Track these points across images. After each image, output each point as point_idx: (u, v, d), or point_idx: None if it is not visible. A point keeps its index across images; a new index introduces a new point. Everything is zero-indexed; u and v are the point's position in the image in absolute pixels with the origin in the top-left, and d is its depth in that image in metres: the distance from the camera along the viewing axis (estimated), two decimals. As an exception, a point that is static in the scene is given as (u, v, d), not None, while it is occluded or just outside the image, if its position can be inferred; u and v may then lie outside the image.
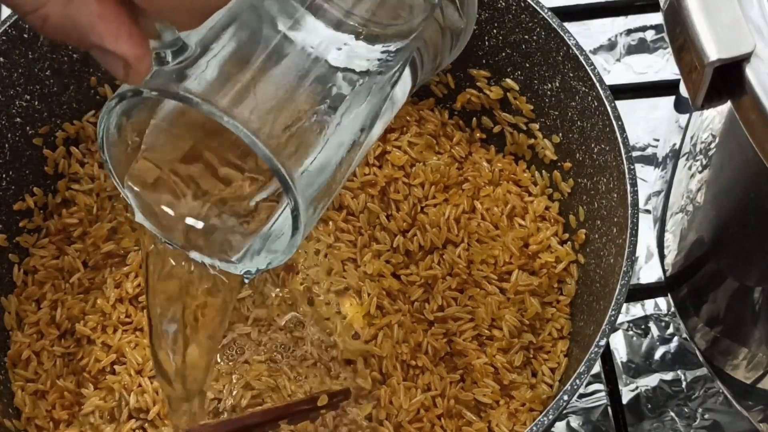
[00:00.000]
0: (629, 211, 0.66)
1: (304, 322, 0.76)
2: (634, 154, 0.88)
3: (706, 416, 0.83)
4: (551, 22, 0.73)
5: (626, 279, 0.64)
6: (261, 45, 0.47)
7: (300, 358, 0.75)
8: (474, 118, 0.83)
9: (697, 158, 0.69)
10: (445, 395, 0.72)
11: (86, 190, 0.79)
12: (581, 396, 0.84)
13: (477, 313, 0.74)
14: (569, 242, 0.77)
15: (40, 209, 0.79)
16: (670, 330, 0.87)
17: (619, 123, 0.69)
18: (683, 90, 0.74)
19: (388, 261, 0.77)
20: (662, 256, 0.80)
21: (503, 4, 0.76)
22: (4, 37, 0.73)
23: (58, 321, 0.74)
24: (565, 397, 0.61)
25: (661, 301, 0.88)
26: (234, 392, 0.73)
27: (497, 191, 0.80)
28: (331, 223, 0.79)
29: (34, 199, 0.78)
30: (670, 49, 0.55)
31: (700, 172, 0.69)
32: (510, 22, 0.76)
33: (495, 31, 0.78)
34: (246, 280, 0.53)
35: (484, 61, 0.80)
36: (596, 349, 0.62)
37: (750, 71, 0.50)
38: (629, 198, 0.67)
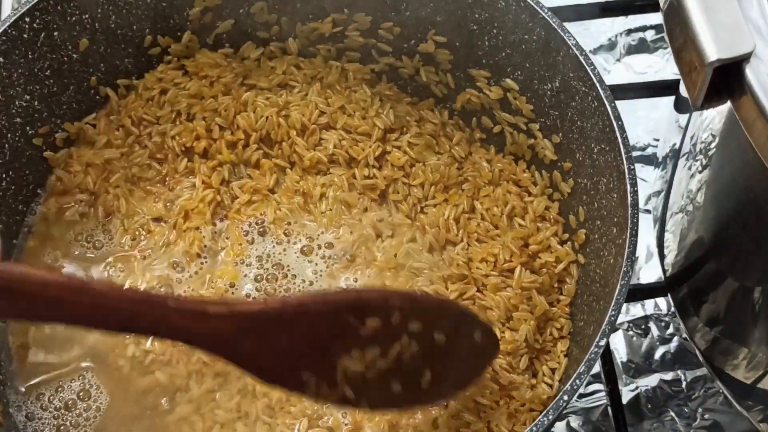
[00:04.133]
0: (629, 212, 0.66)
1: None
2: (634, 154, 0.88)
3: (706, 416, 0.83)
4: (551, 22, 0.73)
5: (626, 279, 0.64)
6: None
7: None
8: (474, 118, 0.83)
9: (697, 158, 0.69)
10: None
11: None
12: (581, 396, 0.84)
13: (489, 315, 0.74)
14: (569, 242, 0.77)
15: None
16: (670, 330, 0.87)
17: (619, 123, 0.69)
18: (683, 90, 0.74)
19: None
20: (662, 256, 0.80)
21: (503, 4, 0.75)
22: (4, 38, 0.73)
23: None
24: (565, 398, 0.61)
25: (661, 301, 0.88)
26: None
27: (497, 191, 0.80)
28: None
29: None
30: (670, 49, 0.55)
31: (700, 172, 0.69)
32: (510, 22, 0.76)
33: (495, 31, 0.78)
34: None
35: (484, 61, 0.80)
36: (596, 350, 0.62)
37: (750, 71, 0.50)
38: (629, 198, 0.67)
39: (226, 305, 0.58)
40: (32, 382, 0.74)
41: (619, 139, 0.68)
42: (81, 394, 0.73)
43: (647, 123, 0.97)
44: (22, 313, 0.51)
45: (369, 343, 0.61)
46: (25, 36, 0.74)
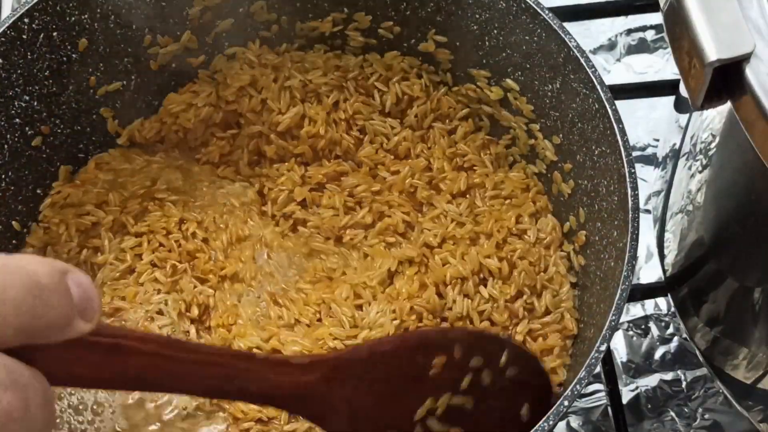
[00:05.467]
0: (630, 215, 0.66)
1: None
2: (634, 153, 0.88)
3: (706, 416, 0.83)
4: (551, 23, 0.73)
5: (627, 283, 0.64)
6: None
7: None
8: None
9: (697, 158, 0.69)
10: None
11: None
12: (581, 396, 0.84)
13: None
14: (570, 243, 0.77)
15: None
16: (670, 330, 0.87)
17: (620, 126, 0.69)
18: (683, 90, 0.74)
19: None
20: (662, 257, 0.80)
21: (504, 5, 0.75)
22: (3, 38, 0.73)
23: None
24: (566, 403, 0.60)
25: (661, 301, 0.88)
26: None
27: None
28: None
29: None
30: (670, 49, 0.55)
31: (700, 172, 0.69)
32: (510, 23, 0.76)
33: (495, 31, 0.78)
34: None
35: (484, 61, 0.80)
36: (597, 354, 0.61)
37: (750, 71, 0.50)
38: (630, 201, 0.66)
39: (306, 356, 0.63)
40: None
41: (620, 142, 0.68)
42: (95, 407, 0.73)
43: (647, 123, 0.97)
44: (116, 375, 0.47)
45: (439, 388, 0.62)
46: (25, 36, 0.74)
